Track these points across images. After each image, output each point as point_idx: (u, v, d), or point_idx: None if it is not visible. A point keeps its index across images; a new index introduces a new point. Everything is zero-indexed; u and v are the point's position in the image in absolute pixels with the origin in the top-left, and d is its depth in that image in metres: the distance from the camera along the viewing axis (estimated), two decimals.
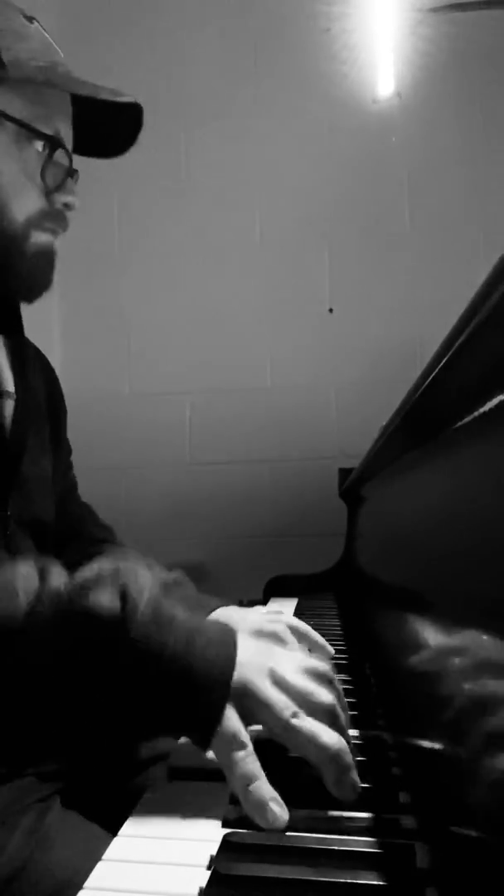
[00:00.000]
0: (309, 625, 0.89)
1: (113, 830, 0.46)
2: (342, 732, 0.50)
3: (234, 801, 0.48)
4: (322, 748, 0.47)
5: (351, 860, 0.40)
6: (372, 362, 2.07)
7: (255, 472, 2.13)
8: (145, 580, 0.52)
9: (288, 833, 0.44)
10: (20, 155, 0.73)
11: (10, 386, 0.84)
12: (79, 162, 0.89)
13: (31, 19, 0.78)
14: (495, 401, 0.45)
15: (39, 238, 0.76)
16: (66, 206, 0.77)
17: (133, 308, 2.24)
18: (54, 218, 0.77)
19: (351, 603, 1.39)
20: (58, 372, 1.05)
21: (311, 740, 0.48)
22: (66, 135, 0.77)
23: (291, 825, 0.45)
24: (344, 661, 0.89)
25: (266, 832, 0.44)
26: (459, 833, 0.39)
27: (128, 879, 0.40)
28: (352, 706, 0.69)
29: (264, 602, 1.53)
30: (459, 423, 0.54)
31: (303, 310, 2.14)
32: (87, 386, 2.14)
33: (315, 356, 2.13)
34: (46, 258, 0.78)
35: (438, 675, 0.49)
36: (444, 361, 0.51)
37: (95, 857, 0.42)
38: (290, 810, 0.45)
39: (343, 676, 0.81)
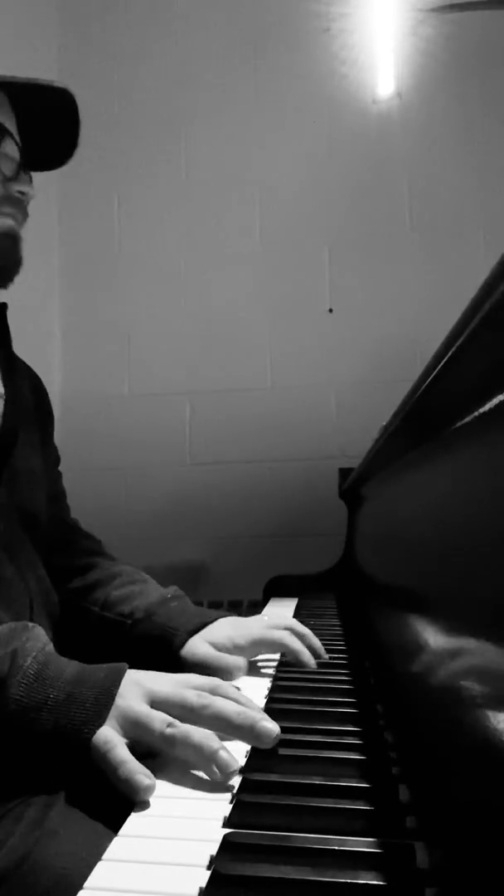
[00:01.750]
0: (308, 625, 0.90)
1: (116, 829, 0.46)
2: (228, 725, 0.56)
3: (235, 801, 0.49)
4: (195, 748, 0.52)
5: (351, 860, 0.40)
6: (372, 362, 2.07)
7: (255, 472, 2.13)
8: (36, 641, 0.60)
9: (288, 833, 0.44)
10: None
11: None
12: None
13: None
14: (495, 401, 0.45)
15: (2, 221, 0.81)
16: (22, 193, 0.83)
17: (133, 308, 2.24)
18: (12, 203, 0.82)
19: (351, 603, 1.39)
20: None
21: (184, 743, 0.53)
22: (12, 130, 0.83)
23: (292, 825, 0.45)
24: (344, 661, 0.89)
25: (266, 832, 0.44)
26: (460, 832, 0.39)
27: (128, 879, 0.40)
28: (352, 705, 0.70)
29: (264, 602, 1.53)
30: (459, 423, 0.54)
31: (303, 310, 2.14)
32: (87, 387, 2.15)
33: (315, 356, 2.13)
34: (10, 240, 0.83)
35: (438, 674, 0.49)
36: (444, 361, 0.51)
37: (98, 854, 0.42)
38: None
39: (343, 675, 0.82)
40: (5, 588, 0.78)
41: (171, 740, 0.53)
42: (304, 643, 0.85)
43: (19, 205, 0.83)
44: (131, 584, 0.95)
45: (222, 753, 0.52)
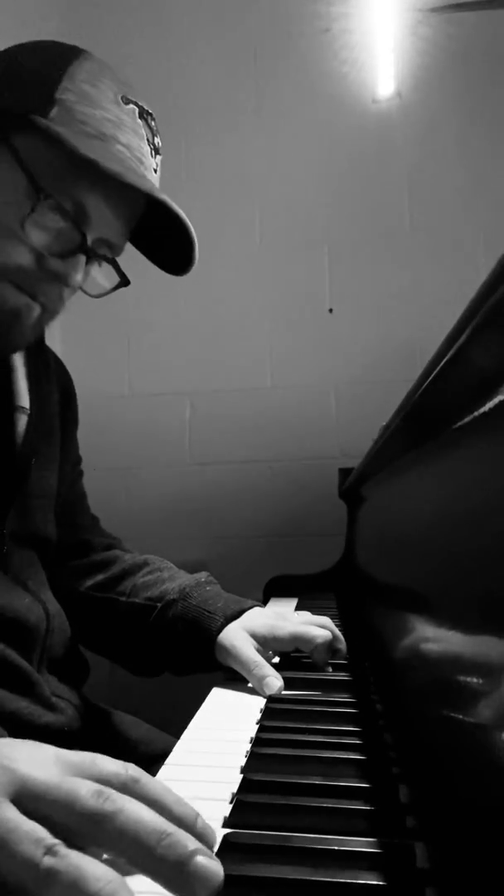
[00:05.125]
0: None
1: None
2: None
3: (235, 801, 0.49)
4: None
5: (351, 860, 0.40)
6: (372, 362, 2.07)
7: (255, 472, 2.13)
8: None
9: (288, 833, 0.44)
10: (16, 202, 0.68)
11: (24, 401, 0.83)
12: None
13: (127, 101, 0.78)
14: (495, 401, 0.45)
15: (5, 291, 0.69)
16: (57, 276, 0.70)
17: (133, 308, 2.23)
18: (34, 280, 0.70)
19: (351, 603, 1.39)
20: None
21: (70, 886, 0.32)
22: (98, 215, 0.72)
23: (292, 825, 0.45)
24: (344, 661, 0.89)
25: (266, 832, 0.44)
26: (460, 832, 0.39)
27: (128, 879, 0.40)
28: (352, 705, 0.70)
29: (264, 602, 1.53)
30: (459, 423, 0.54)
31: (303, 310, 2.14)
32: (87, 386, 2.12)
33: (315, 356, 2.13)
34: (11, 317, 0.71)
35: (438, 674, 0.49)
36: (444, 361, 0.51)
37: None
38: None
39: (343, 675, 0.82)
40: (22, 616, 0.76)
41: (51, 877, 0.32)
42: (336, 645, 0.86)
43: (44, 285, 0.71)
44: (159, 570, 0.94)
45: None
